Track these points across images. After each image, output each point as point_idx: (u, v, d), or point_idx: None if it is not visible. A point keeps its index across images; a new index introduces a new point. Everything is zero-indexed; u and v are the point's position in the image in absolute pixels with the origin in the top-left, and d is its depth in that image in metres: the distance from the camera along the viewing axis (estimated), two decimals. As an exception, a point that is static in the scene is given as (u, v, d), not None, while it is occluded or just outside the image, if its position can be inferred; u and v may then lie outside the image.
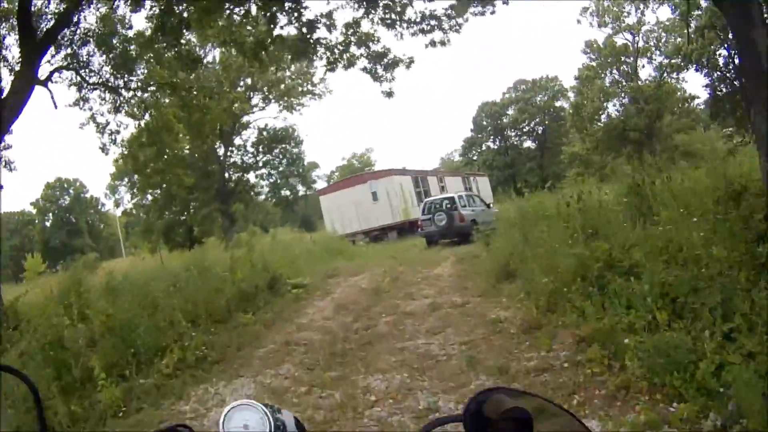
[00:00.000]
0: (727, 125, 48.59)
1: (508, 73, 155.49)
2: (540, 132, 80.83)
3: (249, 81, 41.53)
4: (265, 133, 45.30)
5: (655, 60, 53.51)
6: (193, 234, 43.17)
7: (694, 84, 72.19)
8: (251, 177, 46.15)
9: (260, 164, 45.28)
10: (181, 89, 18.32)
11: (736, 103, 47.21)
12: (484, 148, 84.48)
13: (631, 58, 53.70)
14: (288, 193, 46.55)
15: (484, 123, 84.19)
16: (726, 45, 44.53)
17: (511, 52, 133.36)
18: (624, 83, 53.83)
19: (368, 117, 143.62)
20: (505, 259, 12.56)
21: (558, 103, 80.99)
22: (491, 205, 25.86)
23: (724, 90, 47.35)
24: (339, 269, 18.50)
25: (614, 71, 54.20)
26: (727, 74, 47.95)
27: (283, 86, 42.46)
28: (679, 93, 52.60)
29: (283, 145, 45.74)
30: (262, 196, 47.30)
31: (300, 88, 43.27)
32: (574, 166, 60.74)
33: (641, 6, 53.14)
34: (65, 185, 74.57)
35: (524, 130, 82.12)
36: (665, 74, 52.17)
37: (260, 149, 45.33)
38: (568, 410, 1.11)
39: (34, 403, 1.27)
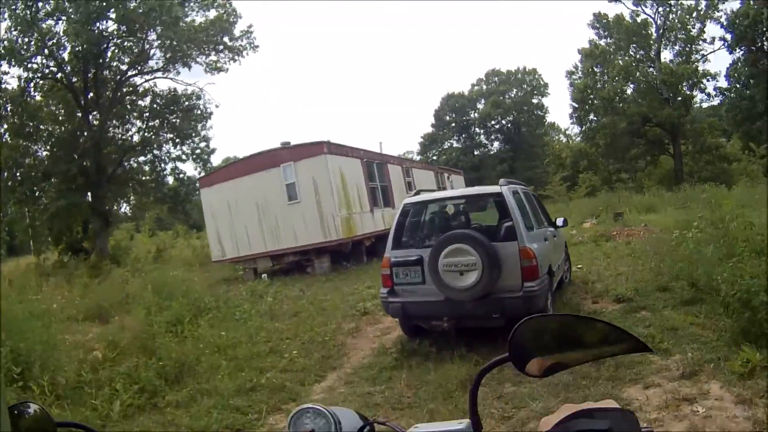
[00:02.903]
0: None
1: (477, 62, 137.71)
2: (513, 131, 66.33)
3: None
4: (159, 100, 28.95)
5: (674, 43, 39.47)
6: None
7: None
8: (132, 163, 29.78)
9: (144, 143, 28.63)
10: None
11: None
12: (446, 146, 69.64)
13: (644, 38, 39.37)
14: (174, 183, 29.84)
15: (448, 118, 69.27)
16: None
17: (485, 38, 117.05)
18: (636, 66, 39.38)
19: (307, 105, 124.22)
20: None
21: (535, 100, 66.94)
22: (559, 225, 9.99)
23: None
24: None
25: (631, 50, 39.75)
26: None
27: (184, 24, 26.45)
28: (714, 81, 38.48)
29: (178, 114, 29.08)
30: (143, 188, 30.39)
31: (210, 37, 27.39)
32: (565, 170, 45.95)
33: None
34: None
35: (495, 127, 67.54)
36: (691, 58, 37.99)
37: (149, 122, 28.93)
38: (599, 319, 1.01)
39: None
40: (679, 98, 37.41)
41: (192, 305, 9.42)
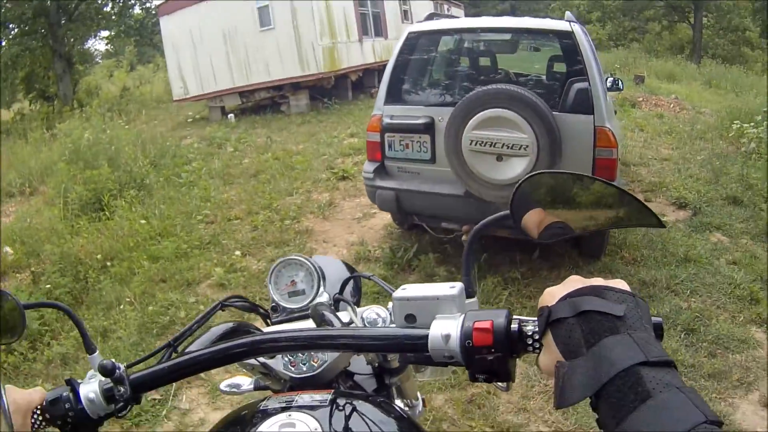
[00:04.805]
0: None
1: None
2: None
3: None
4: None
5: None
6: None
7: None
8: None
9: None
10: None
11: None
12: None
13: None
14: (140, 14, 25.43)
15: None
16: None
17: None
18: None
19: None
20: None
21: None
22: (620, 88, 7.23)
23: None
24: None
25: None
26: None
27: None
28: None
29: None
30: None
31: None
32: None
33: None
34: None
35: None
36: None
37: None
38: (618, 186, 0.82)
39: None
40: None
41: (126, 171, 6.90)
